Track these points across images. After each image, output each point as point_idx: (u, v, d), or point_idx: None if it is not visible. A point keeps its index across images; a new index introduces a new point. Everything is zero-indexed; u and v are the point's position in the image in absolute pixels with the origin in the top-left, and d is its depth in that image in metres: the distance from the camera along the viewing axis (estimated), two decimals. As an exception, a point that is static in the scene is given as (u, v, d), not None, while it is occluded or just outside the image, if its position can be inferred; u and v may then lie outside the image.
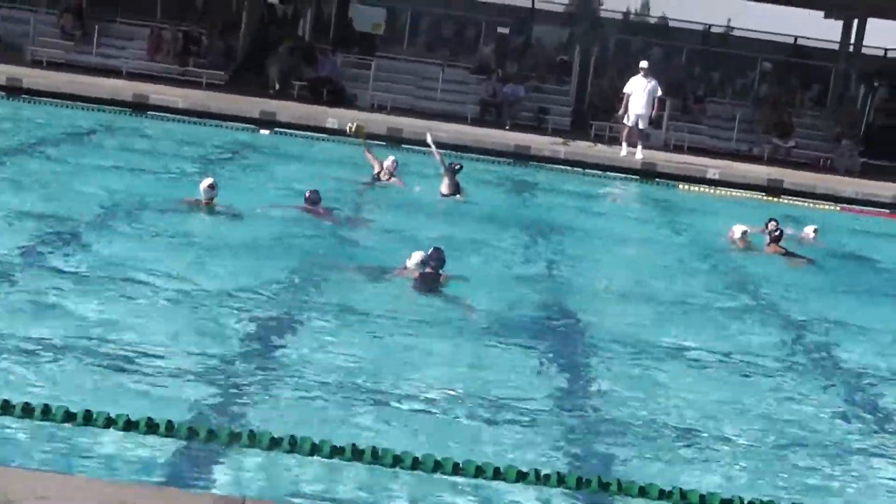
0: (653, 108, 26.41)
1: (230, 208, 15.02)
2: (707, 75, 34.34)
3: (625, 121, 26.41)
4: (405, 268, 12.31)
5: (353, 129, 18.60)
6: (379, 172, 18.50)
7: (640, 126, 26.27)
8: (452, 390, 9.22)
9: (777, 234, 16.85)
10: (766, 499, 7.29)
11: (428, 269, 12.17)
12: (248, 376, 9.03)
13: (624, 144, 26.36)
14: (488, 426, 8.57)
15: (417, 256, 12.28)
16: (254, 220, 14.91)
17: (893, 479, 8.61)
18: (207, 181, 15.04)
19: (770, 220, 17.43)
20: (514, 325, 11.56)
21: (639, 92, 26.06)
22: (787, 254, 16.72)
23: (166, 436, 7.29)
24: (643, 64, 26.52)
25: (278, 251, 13.53)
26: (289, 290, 11.88)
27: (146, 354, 9.12)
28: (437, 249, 12.37)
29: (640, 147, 26.06)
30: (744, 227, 17.22)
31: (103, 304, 10.41)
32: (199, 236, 13.91)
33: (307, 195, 15.71)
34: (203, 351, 9.42)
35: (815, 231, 18.36)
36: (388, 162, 18.70)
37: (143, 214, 14.61)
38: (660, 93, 26.52)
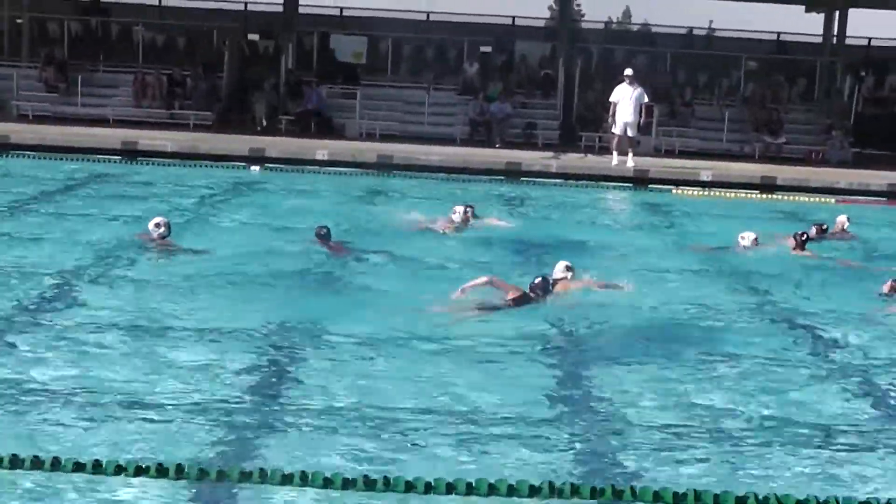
0: (640, 115, 26.43)
1: (179, 245, 15.05)
2: (693, 78, 34.35)
3: (613, 130, 26.43)
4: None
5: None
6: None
7: (629, 134, 26.27)
8: (457, 410, 9.20)
9: (803, 238, 16.64)
10: (780, 493, 7.27)
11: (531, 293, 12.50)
12: (252, 414, 9.00)
13: (614, 153, 26.35)
14: (497, 443, 8.53)
15: (561, 265, 13.16)
16: (216, 257, 14.83)
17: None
18: (155, 220, 15.13)
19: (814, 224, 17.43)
20: (526, 338, 11.55)
21: (625, 100, 26.10)
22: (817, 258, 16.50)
23: (177, 479, 7.28)
24: (628, 71, 26.55)
25: (276, 287, 13.54)
26: (291, 327, 11.85)
27: (147, 399, 9.12)
28: (543, 279, 12.69)
29: (630, 155, 26.06)
30: (753, 235, 17.05)
31: (97, 353, 10.39)
32: (172, 273, 13.80)
33: (317, 230, 15.70)
34: (206, 391, 9.40)
35: (848, 220, 18.32)
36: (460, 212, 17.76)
37: (128, 258, 14.63)
38: (646, 99, 26.54)
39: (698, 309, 13.31)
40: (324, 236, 15.60)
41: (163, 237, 14.95)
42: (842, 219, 18.51)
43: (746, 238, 16.86)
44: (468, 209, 17.96)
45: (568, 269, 13.31)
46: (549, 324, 12.22)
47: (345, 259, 15.22)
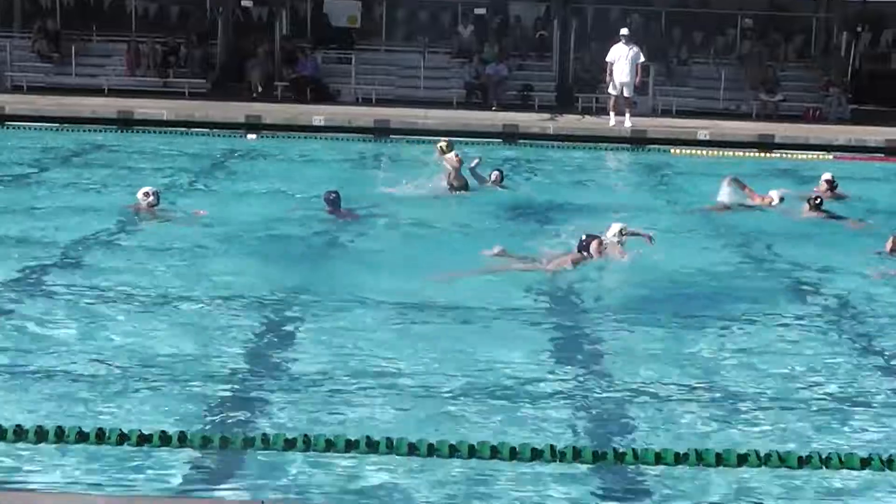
0: (637, 75, 26.33)
1: (171, 213, 15.14)
2: (689, 37, 34.15)
3: (610, 90, 26.36)
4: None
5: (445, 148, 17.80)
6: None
7: (626, 94, 26.19)
8: (460, 373, 9.21)
9: (817, 201, 16.48)
10: (781, 450, 7.28)
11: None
12: (254, 381, 9.01)
13: (612, 114, 26.29)
14: (500, 408, 8.53)
15: (615, 227, 13.00)
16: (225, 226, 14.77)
17: None
18: (143, 189, 15.20)
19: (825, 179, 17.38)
20: (524, 302, 11.56)
21: (621, 60, 26.01)
22: (831, 217, 16.35)
23: (181, 446, 7.27)
24: (623, 31, 26.41)
25: (288, 253, 13.58)
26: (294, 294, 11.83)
27: (147, 367, 9.12)
28: (589, 237, 12.73)
29: (628, 115, 26.01)
30: (780, 193, 17.03)
31: (95, 322, 10.39)
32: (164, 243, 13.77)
33: (326, 196, 15.62)
34: (210, 359, 9.40)
35: (832, 178, 18.25)
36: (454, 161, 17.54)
37: (122, 228, 14.61)
38: (642, 59, 26.41)
39: (702, 271, 13.24)
40: (332, 201, 15.50)
41: (152, 206, 14.97)
42: (826, 176, 18.29)
43: (775, 196, 16.91)
44: (496, 172, 18.13)
45: (622, 233, 13.15)
46: (558, 287, 12.23)
47: (353, 224, 15.17)
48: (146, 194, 15.06)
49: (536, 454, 7.17)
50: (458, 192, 17.33)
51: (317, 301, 11.38)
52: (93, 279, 11.92)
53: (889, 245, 13.79)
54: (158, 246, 13.54)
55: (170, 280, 11.93)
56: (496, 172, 18.22)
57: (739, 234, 15.63)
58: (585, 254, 12.56)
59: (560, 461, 7.19)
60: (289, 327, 10.56)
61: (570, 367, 9.63)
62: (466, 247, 13.59)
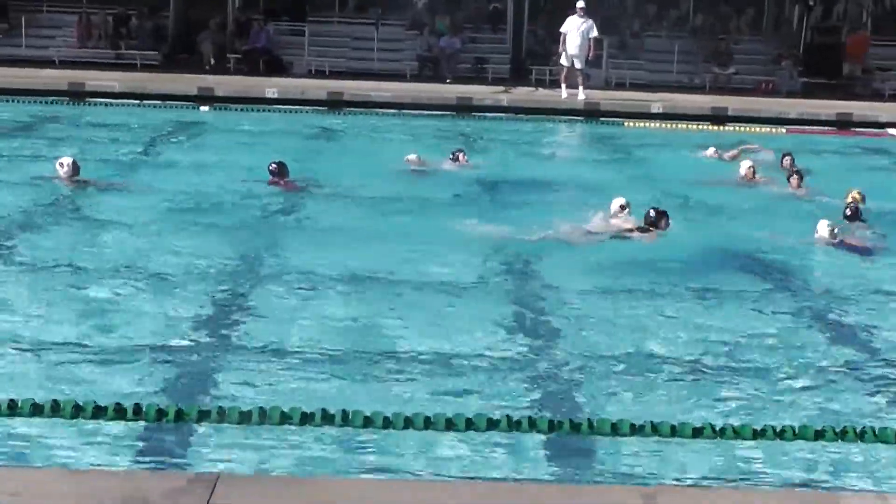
0: (589, 49, 26.25)
1: (94, 182, 14.99)
2: (642, 10, 34.21)
3: (562, 61, 26.30)
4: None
5: None
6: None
7: (578, 66, 26.13)
8: (415, 345, 9.20)
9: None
10: (736, 424, 7.33)
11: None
12: (207, 354, 8.97)
13: (563, 86, 26.28)
14: (455, 379, 8.55)
15: (618, 202, 13.15)
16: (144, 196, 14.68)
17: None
18: (59, 160, 14.97)
19: (785, 155, 17.33)
20: (485, 274, 11.59)
21: (573, 32, 25.95)
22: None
23: (135, 419, 7.23)
24: (580, 3, 26.29)
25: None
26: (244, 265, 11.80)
27: (101, 340, 9.06)
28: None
29: (581, 88, 26.01)
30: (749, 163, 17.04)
31: (51, 297, 10.30)
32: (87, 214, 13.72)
33: (271, 168, 15.48)
34: (159, 333, 9.35)
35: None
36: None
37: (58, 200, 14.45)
38: (595, 33, 26.31)
39: (662, 244, 13.26)
40: (276, 172, 15.40)
41: (69, 176, 14.77)
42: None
43: (744, 167, 16.96)
44: (458, 153, 17.88)
45: (622, 207, 13.18)
46: (512, 259, 12.24)
47: (297, 195, 15.11)
48: (61, 165, 14.83)
49: (492, 424, 7.17)
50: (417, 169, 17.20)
51: (260, 273, 11.35)
52: (11, 251, 11.87)
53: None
54: (75, 216, 13.49)
55: (96, 252, 11.82)
56: (459, 152, 17.97)
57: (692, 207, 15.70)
58: (652, 228, 12.77)
59: (517, 431, 7.20)
60: (230, 300, 10.45)
61: (525, 339, 9.66)
62: (418, 221, 13.57)
